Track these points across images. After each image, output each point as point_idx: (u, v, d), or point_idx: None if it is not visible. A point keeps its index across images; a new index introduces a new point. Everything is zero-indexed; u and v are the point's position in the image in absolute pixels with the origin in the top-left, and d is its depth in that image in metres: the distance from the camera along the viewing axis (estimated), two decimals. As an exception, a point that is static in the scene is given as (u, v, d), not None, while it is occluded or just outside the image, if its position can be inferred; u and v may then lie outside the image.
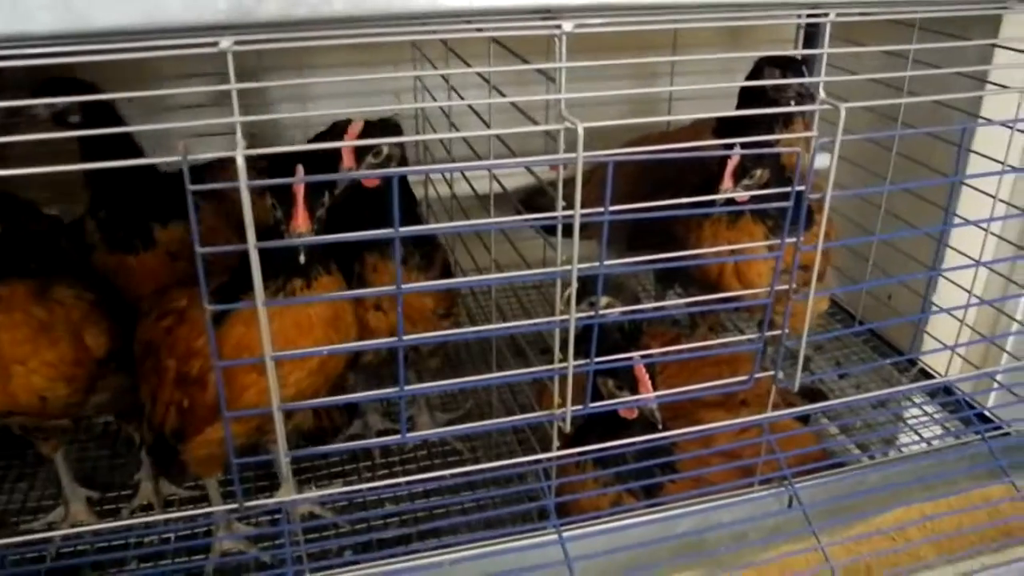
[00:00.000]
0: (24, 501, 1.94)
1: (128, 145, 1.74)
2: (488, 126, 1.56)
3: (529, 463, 1.53)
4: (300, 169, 1.26)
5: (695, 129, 2.20)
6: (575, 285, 1.27)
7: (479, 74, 1.55)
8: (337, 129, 1.56)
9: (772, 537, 1.59)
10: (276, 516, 1.86)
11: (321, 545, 1.64)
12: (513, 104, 1.38)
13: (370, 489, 1.56)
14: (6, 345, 1.47)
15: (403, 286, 1.20)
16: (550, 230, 2.01)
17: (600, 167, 1.56)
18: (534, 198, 2.15)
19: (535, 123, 1.33)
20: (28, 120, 1.74)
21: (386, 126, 1.56)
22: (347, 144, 1.30)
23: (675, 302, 1.75)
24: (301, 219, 1.26)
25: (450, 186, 1.94)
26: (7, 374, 1.48)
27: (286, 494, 1.82)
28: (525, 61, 1.36)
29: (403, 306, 1.23)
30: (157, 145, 2.21)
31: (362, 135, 1.50)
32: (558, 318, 1.31)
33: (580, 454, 1.50)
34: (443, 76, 1.88)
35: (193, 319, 1.51)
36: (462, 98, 1.77)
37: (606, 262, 1.31)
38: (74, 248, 1.86)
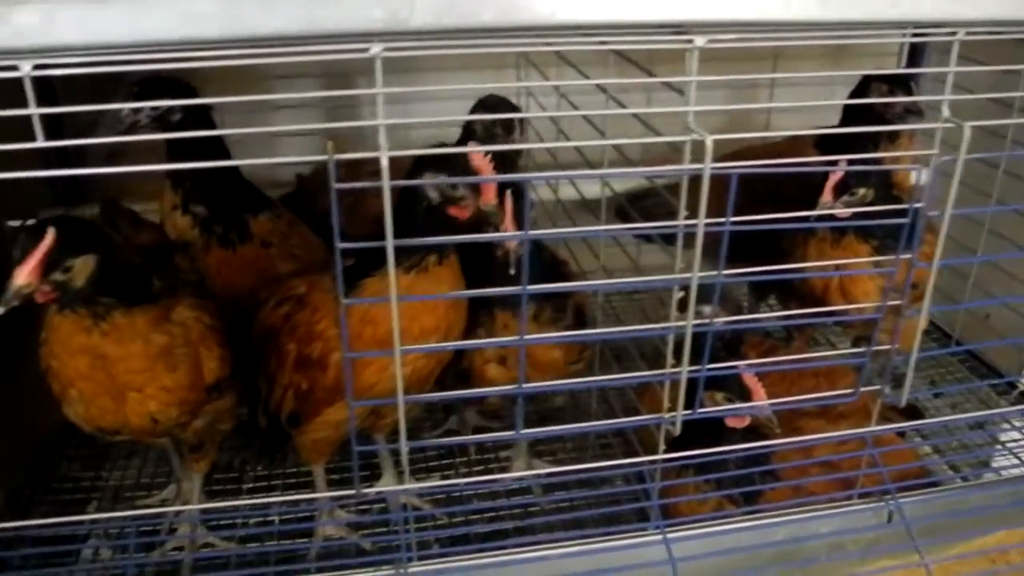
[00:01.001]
0: (138, 477, 2.04)
1: (218, 143, 1.81)
2: (603, 134, 1.60)
3: (635, 464, 1.56)
4: (481, 156, 1.33)
5: (797, 142, 2.21)
6: (694, 292, 1.29)
7: (598, 85, 1.59)
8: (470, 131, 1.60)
9: (869, 551, 1.60)
10: (376, 505, 1.92)
11: (420, 536, 1.70)
12: (635, 115, 1.41)
13: (489, 481, 1.66)
14: (122, 374, 1.45)
15: (528, 340, 1.23)
16: (645, 236, 2.05)
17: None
18: (633, 204, 2.18)
19: (657, 133, 1.35)
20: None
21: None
22: (476, 150, 1.34)
23: (788, 313, 1.77)
24: (491, 193, 1.32)
25: (555, 191, 1.99)
26: (122, 398, 1.47)
27: (388, 483, 1.88)
28: (649, 72, 1.40)
29: (530, 359, 1.24)
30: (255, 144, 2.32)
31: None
32: (673, 324, 1.34)
33: (688, 458, 1.52)
34: (555, 86, 1.91)
35: (314, 303, 1.57)
36: (573, 105, 1.81)
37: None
38: (191, 265, 1.88)
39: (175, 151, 1.75)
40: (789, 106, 1.78)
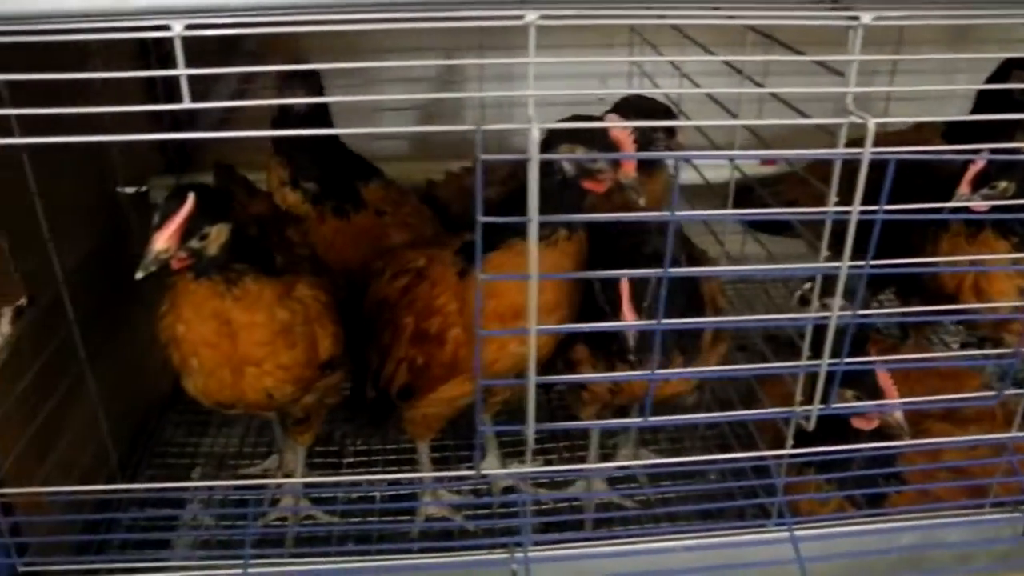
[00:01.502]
0: (240, 445, 2.05)
1: (325, 114, 1.80)
2: (735, 116, 1.54)
3: (760, 458, 1.50)
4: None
5: (922, 131, 2.11)
6: (842, 282, 1.23)
7: (727, 63, 1.53)
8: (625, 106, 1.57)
9: (999, 564, 1.53)
10: (473, 487, 1.90)
11: (524, 521, 1.66)
12: (773, 94, 1.35)
13: (613, 468, 1.69)
14: (243, 346, 1.44)
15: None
16: (758, 227, 1.97)
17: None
18: (748, 191, 2.11)
19: (802, 115, 1.29)
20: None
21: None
22: (617, 125, 1.30)
23: (928, 308, 1.69)
24: (631, 165, 1.28)
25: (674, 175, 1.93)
26: (240, 373, 1.47)
27: (492, 465, 1.86)
28: (795, 50, 1.33)
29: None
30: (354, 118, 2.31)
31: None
32: (813, 315, 1.29)
33: (814, 454, 1.46)
34: (672, 62, 1.85)
35: (434, 277, 1.54)
36: (695, 84, 1.74)
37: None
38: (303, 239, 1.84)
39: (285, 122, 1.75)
40: (949, 88, 1.69)
